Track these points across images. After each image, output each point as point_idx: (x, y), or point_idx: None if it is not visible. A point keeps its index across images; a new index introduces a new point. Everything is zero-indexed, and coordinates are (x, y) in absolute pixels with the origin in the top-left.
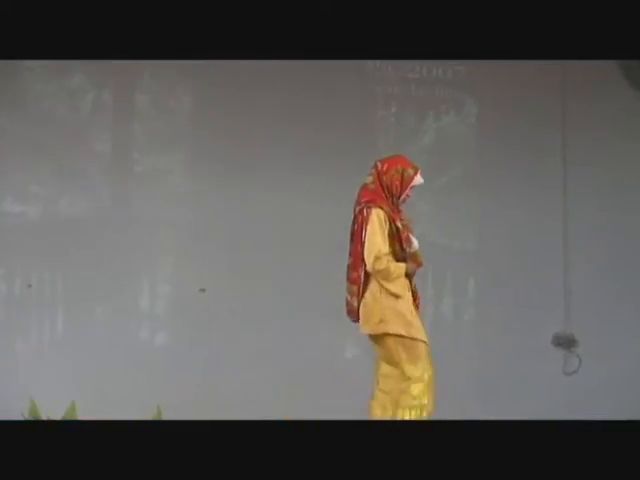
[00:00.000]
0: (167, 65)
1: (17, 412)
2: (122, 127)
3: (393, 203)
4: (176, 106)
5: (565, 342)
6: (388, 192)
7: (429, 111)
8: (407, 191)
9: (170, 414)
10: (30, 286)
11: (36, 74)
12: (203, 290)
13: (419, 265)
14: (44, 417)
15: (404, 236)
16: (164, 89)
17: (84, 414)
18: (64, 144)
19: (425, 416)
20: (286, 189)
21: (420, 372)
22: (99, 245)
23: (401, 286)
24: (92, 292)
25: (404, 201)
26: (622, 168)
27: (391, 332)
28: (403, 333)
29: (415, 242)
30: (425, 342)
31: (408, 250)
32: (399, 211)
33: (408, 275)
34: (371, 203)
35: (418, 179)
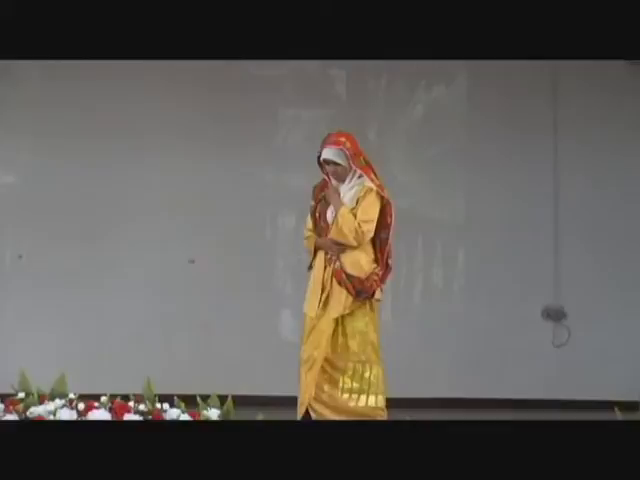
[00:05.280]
0: None
1: (6, 384)
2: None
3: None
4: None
5: (555, 314)
6: None
7: (419, 83)
8: (323, 167)
9: (160, 386)
10: (21, 257)
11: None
12: (192, 261)
13: (331, 240)
14: (34, 389)
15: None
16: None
17: (74, 386)
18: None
19: (304, 396)
20: (276, 161)
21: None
22: (89, 216)
23: (314, 259)
24: (82, 264)
25: (338, 177)
26: (613, 145)
27: None
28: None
29: (328, 215)
30: (311, 317)
31: (322, 225)
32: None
33: (323, 248)
34: None
35: (322, 154)
